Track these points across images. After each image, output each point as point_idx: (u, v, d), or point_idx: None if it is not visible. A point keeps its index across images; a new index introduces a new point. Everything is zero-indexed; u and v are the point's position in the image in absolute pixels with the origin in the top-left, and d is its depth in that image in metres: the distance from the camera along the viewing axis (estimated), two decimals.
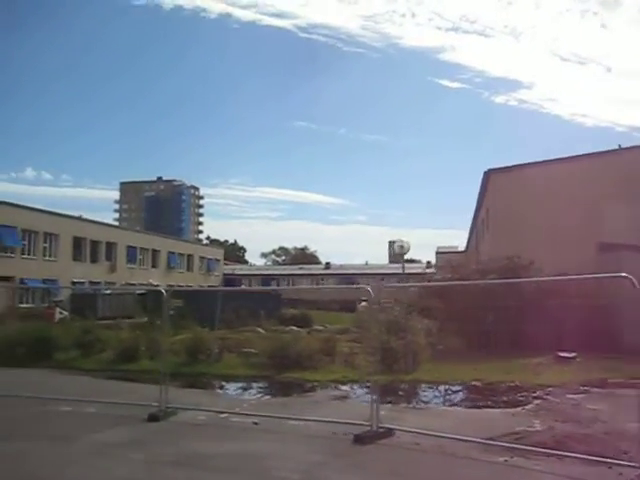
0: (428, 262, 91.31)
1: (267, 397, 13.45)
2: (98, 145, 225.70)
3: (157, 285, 59.74)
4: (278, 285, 79.92)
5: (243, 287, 67.13)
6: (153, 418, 9.71)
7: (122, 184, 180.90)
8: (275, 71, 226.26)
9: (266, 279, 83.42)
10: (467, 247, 66.72)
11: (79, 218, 61.14)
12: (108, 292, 48.11)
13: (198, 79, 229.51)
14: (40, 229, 52.96)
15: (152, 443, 8.38)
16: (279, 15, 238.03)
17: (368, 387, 14.02)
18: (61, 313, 40.33)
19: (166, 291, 10.38)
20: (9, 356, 16.88)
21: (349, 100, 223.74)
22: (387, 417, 9.08)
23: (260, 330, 24.48)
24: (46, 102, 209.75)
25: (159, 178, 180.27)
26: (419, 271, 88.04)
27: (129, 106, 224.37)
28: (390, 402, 11.79)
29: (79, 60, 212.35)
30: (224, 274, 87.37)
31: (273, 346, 16.93)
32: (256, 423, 9.50)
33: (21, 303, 43.29)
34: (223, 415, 10.30)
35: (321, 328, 25.55)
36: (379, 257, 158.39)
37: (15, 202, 52.53)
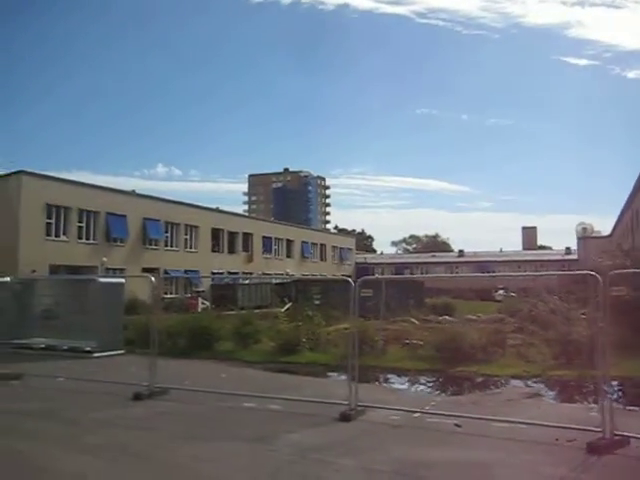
0: (567, 248, 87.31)
1: (450, 394, 12.52)
2: (223, 140, 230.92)
3: (292, 275, 60.27)
4: (412, 273, 78.63)
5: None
6: (345, 417, 8.96)
7: (250, 176, 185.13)
8: (395, 59, 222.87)
9: (399, 267, 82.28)
10: (612, 232, 62.91)
11: (216, 210, 62.41)
12: (247, 282, 48.78)
13: (319, 72, 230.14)
14: (181, 221, 54.45)
15: (356, 447, 7.61)
16: (396, 2, 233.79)
17: (545, 383, 12.99)
18: (203, 303, 41.21)
19: (354, 281, 9.59)
20: (170, 347, 16.88)
21: (471, 85, 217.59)
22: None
23: (414, 320, 23.55)
24: (172, 100, 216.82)
25: (286, 169, 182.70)
26: (558, 258, 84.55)
27: (252, 102, 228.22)
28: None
29: (204, 56, 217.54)
30: (356, 263, 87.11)
31: (441, 338, 15.96)
32: (458, 425, 8.56)
33: (165, 294, 44.54)
34: (416, 415, 9.42)
35: (475, 318, 24.20)
36: (510, 244, 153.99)
37: (159, 196, 54.48)
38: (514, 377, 13.62)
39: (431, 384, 13.62)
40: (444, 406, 10.26)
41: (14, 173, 41.58)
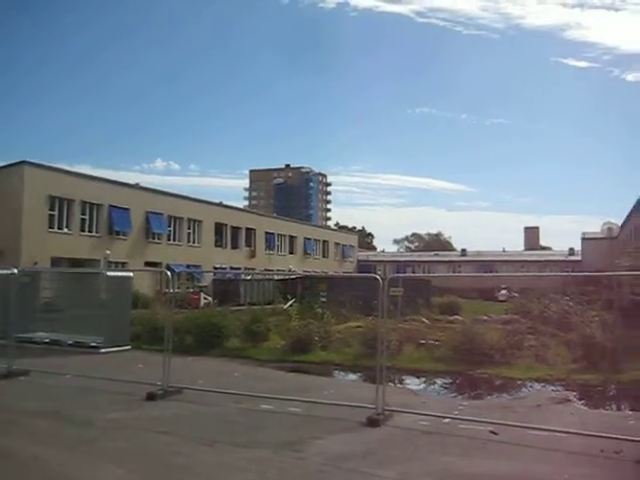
0: (571, 249, 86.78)
1: (476, 398, 12.03)
2: (222, 136, 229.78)
3: (294, 271, 59.78)
4: (413, 272, 78.15)
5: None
6: (372, 423, 8.48)
7: (251, 172, 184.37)
8: (394, 58, 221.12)
9: (401, 266, 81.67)
10: (619, 234, 62.26)
11: (220, 204, 61.84)
12: (249, 278, 48.27)
13: (319, 70, 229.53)
14: (185, 215, 53.94)
15: (390, 456, 7.12)
16: (396, 1, 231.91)
17: (572, 387, 12.52)
18: (205, 298, 40.73)
19: (382, 279, 9.10)
20: (177, 343, 16.41)
21: (470, 84, 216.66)
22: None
23: (425, 320, 23.08)
24: (172, 94, 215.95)
25: (287, 165, 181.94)
26: (561, 258, 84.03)
27: (252, 98, 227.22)
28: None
29: (204, 51, 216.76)
30: (358, 260, 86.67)
31: (458, 338, 15.50)
32: (494, 433, 8.09)
33: (167, 288, 43.97)
34: (446, 420, 8.94)
35: (486, 318, 23.73)
36: (509, 243, 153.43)
37: (162, 189, 53.96)
38: (537, 380, 13.17)
39: (453, 386, 13.17)
40: (473, 411, 9.79)
41: (16, 164, 40.96)
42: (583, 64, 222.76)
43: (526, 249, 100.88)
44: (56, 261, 39.14)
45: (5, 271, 15.21)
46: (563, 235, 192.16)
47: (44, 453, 6.99)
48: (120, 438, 7.72)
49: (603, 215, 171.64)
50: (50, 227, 41.91)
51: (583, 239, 78.90)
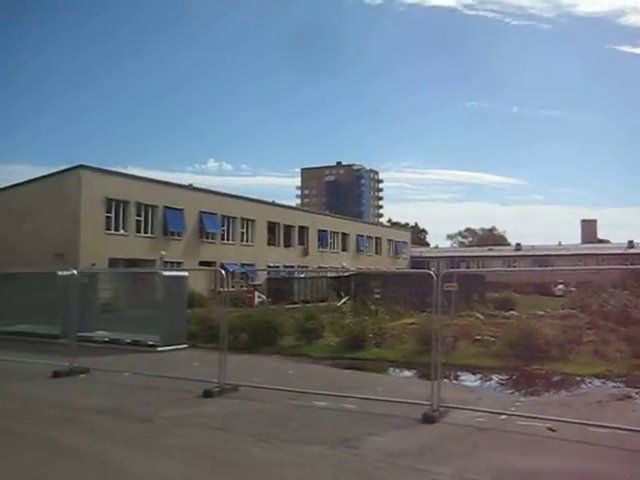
0: (630, 241, 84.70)
1: (533, 394, 11.85)
2: (273, 135, 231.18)
3: (347, 268, 59.79)
4: (467, 267, 77.30)
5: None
6: (428, 419, 8.44)
7: (303, 170, 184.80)
8: (443, 52, 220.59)
9: (455, 261, 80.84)
10: None
11: (272, 203, 62.21)
12: (302, 276, 48.48)
13: (368, 65, 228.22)
14: (238, 215, 54.44)
15: (447, 453, 7.07)
16: None
17: (633, 383, 12.19)
18: (260, 297, 41.01)
19: (436, 275, 9.03)
20: (232, 341, 16.57)
21: (521, 76, 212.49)
22: None
23: (479, 315, 22.84)
24: (225, 98, 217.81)
25: (338, 163, 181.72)
26: (619, 251, 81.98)
27: (303, 95, 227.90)
28: None
29: (250, 47, 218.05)
30: (411, 257, 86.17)
31: (515, 334, 15.26)
32: (552, 429, 7.96)
33: (222, 287, 44.40)
34: (503, 417, 8.84)
35: (542, 313, 23.34)
36: (565, 237, 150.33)
37: (215, 189, 54.60)
38: (597, 377, 12.89)
39: (510, 383, 12.99)
40: (530, 407, 9.64)
41: (73, 168, 42.04)
42: None
43: (583, 242, 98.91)
44: (113, 262, 39.90)
45: (65, 272, 15.69)
46: (621, 227, 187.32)
47: (106, 449, 7.15)
48: (178, 435, 7.86)
49: None
50: (107, 229, 42.84)
51: None
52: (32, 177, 45.27)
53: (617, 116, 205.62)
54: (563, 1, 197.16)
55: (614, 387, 11.95)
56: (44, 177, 44.07)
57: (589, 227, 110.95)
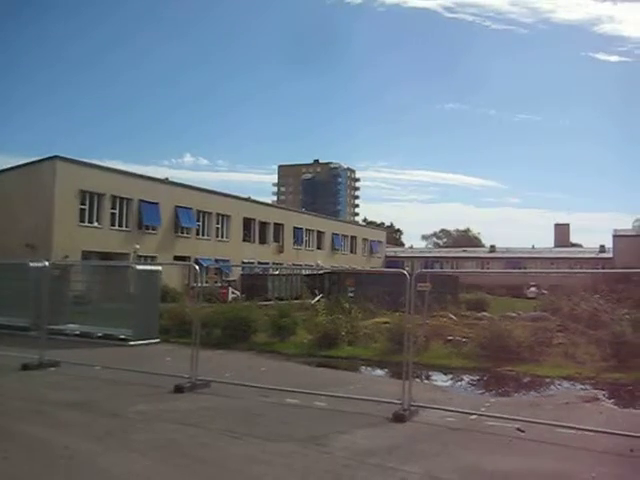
0: (602, 246, 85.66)
1: (503, 395, 11.98)
2: (250, 131, 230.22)
3: (322, 266, 59.78)
4: (441, 268, 77.71)
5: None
6: (398, 418, 8.47)
7: (280, 167, 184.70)
8: (422, 53, 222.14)
9: (429, 262, 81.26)
10: None
11: (248, 199, 62.01)
12: (277, 273, 48.39)
13: (347, 65, 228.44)
14: (213, 210, 54.23)
15: (417, 452, 7.12)
16: None
17: (601, 386, 12.36)
18: (233, 293, 40.91)
19: (410, 274, 9.05)
20: (205, 337, 16.50)
21: (499, 80, 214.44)
22: None
23: (452, 316, 22.97)
24: (201, 89, 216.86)
25: (316, 161, 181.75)
26: (591, 255, 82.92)
27: (281, 93, 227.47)
28: None
29: (234, 42, 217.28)
30: (386, 256, 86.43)
31: (486, 335, 15.38)
32: (521, 430, 8.03)
33: (195, 282, 44.19)
34: (473, 417, 8.90)
35: (514, 315, 23.52)
36: (539, 240, 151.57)
37: (191, 184, 54.35)
38: (566, 379, 13.02)
39: (480, 383, 13.09)
40: (500, 408, 9.72)
41: (48, 158, 41.53)
42: (615, 58, 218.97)
43: (556, 246, 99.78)
44: (86, 255, 39.57)
45: (37, 264, 15.50)
46: (594, 232, 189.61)
47: (74, 443, 7.08)
48: (148, 430, 7.81)
49: (635, 212, 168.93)
50: (81, 221, 42.47)
51: (614, 236, 77.97)
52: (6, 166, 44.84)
53: (591, 122, 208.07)
54: (541, 7, 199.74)
55: (582, 389, 12.08)
56: (19, 167, 43.69)
57: (562, 231, 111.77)
